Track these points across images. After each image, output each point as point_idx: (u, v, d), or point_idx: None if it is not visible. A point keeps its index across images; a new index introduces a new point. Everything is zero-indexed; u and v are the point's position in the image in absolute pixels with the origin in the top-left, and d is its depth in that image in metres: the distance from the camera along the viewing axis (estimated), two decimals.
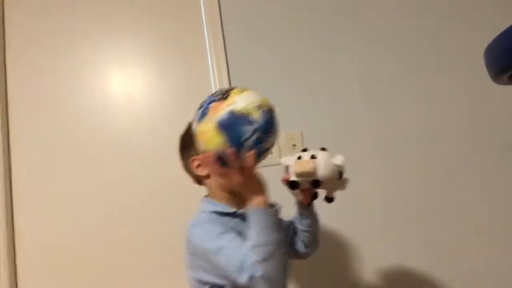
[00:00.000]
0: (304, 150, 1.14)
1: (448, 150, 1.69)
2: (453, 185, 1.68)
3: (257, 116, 0.93)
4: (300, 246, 1.24)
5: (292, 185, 1.10)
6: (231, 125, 0.92)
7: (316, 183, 1.07)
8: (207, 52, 1.73)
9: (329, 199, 1.13)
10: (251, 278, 0.89)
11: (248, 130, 0.92)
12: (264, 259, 0.90)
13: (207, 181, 1.15)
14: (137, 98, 1.74)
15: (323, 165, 1.06)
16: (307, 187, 1.11)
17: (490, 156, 1.70)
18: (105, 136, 1.71)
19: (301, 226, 1.23)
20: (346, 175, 1.10)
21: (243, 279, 0.90)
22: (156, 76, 1.75)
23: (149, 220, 1.66)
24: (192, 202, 1.63)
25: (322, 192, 1.15)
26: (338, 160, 1.08)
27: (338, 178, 1.09)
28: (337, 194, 1.13)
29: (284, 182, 1.13)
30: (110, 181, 1.68)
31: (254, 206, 0.97)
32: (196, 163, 1.13)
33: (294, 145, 1.65)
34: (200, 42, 1.74)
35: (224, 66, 1.70)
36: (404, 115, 1.70)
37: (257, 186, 0.99)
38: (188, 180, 1.64)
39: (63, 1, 1.77)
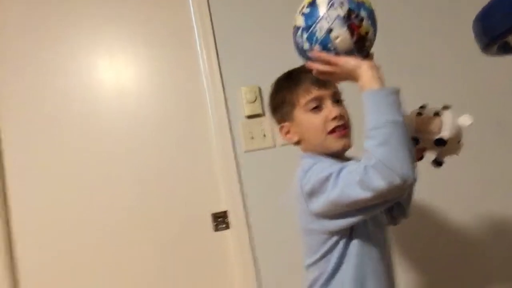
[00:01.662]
0: (422, 106, 1.05)
1: None
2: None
3: (299, 20, 0.93)
4: (395, 211, 1.18)
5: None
6: (294, 44, 0.97)
7: (441, 142, 0.97)
8: (195, 36, 1.72)
9: (439, 163, 1.03)
10: (365, 170, 0.80)
11: (298, 37, 0.93)
12: (378, 144, 0.79)
13: (301, 146, 1.08)
14: (127, 86, 1.71)
15: (449, 124, 0.97)
16: (423, 147, 1.02)
17: (483, 132, 1.73)
18: (95, 126, 1.68)
19: None
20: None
21: (359, 176, 0.81)
22: (145, 63, 1.72)
23: (145, 212, 1.66)
24: (187, 192, 1.66)
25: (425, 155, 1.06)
26: (466, 120, 0.98)
27: (459, 141, 1.01)
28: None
29: None
30: (101, 172, 1.66)
31: (363, 90, 0.87)
32: (284, 130, 1.09)
33: None
34: (188, 26, 1.72)
35: (213, 50, 1.68)
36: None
37: (353, 68, 0.88)
38: (183, 168, 1.66)
39: None
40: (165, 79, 1.72)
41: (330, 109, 1.01)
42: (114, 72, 1.72)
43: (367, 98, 0.85)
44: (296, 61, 1.72)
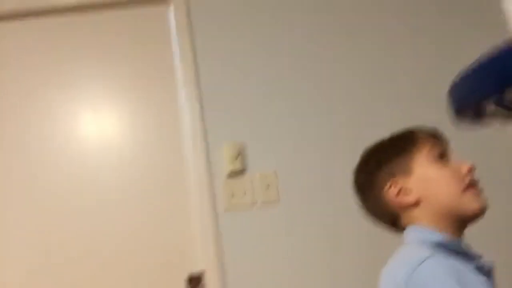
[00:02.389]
0: None
1: None
2: None
3: None
4: None
5: None
6: None
7: None
8: (180, 90, 1.71)
9: None
10: None
11: None
12: None
13: (414, 212, 0.78)
14: (109, 141, 1.69)
15: None
16: None
17: None
18: (75, 180, 1.64)
19: None
20: None
21: None
22: (128, 119, 1.71)
23: (119, 269, 1.58)
24: (163, 251, 1.59)
25: None
26: None
27: None
28: None
29: None
30: (81, 224, 1.61)
31: None
32: (395, 189, 0.79)
33: (268, 185, 1.62)
34: (173, 80, 1.72)
35: (198, 104, 1.67)
36: None
37: None
38: (160, 223, 1.60)
39: (34, 43, 1.75)
40: (148, 133, 1.70)
41: (459, 161, 0.80)
42: (97, 127, 1.71)
43: None
44: (283, 118, 1.72)
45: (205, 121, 1.66)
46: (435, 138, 0.82)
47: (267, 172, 1.62)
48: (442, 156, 0.80)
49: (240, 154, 1.62)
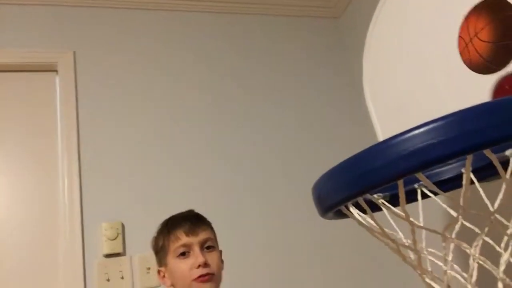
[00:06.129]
0: None
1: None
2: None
3: None
4: None
5: None
6: None
7: None
8: (59, 164, 1.60)
9: None
10: None
11: None
12: None
13: None
14: None
15: None
16: None
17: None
18: None
19: None
20: None
21: None
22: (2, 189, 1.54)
23: None
24: None
25: None
26: None
27: None
28: None
29: None
30: None
31: None
32: (161, 274, 1.11)
33: (149, 268, 1.51)
34: (54, 156, 1.61)
35: (76, 184, 1.56)
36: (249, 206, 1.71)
37: None
38: None
39: None
40: (23, 208, 1.55)
41: (196, 257, 1.04)
42: None
43: None
44: (164, 198, 1.66)
45: (83, 199, 1.55)
46: (184, 235, 1.07)
47: (147, 255, 1.52)
48: (184, 253, 1.06)
49: (119, 235, 1.52)
